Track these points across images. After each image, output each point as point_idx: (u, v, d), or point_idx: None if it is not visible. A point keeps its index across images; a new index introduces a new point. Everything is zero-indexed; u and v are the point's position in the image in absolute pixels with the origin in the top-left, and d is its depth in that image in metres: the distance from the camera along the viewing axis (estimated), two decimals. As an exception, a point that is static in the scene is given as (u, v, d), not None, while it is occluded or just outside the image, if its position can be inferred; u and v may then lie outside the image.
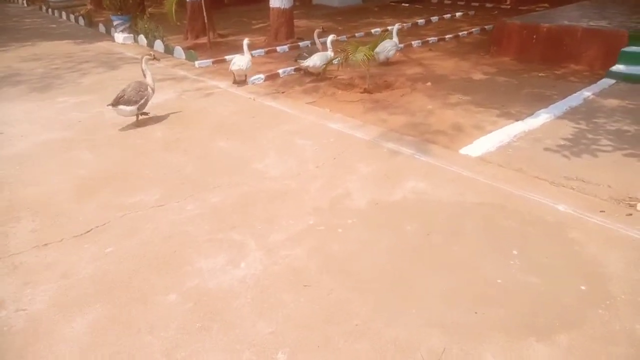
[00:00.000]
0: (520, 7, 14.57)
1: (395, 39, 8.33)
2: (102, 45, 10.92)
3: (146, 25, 10.57)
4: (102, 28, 12.70)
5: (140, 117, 5.72)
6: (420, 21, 12.73)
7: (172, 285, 2.83)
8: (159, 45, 10.02)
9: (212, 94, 6.93)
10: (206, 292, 2.76)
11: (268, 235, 3.33)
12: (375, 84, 7.36)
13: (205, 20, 9.88)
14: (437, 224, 3.48)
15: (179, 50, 9.36)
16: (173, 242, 3.26)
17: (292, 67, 8.04)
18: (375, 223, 3.50)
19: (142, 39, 10.69)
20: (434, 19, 13.11)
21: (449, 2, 16.43)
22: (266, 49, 9.55)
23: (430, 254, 3.15)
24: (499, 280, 2.86)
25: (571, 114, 5.68)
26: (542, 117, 5.54)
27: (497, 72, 7.83)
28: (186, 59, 9.12)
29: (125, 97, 5.34)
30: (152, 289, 2.80)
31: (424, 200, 3.82)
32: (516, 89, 6.84)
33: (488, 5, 15.39)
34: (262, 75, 7.57)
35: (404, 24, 8.75)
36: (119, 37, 11.04)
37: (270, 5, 10.04)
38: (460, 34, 10.99)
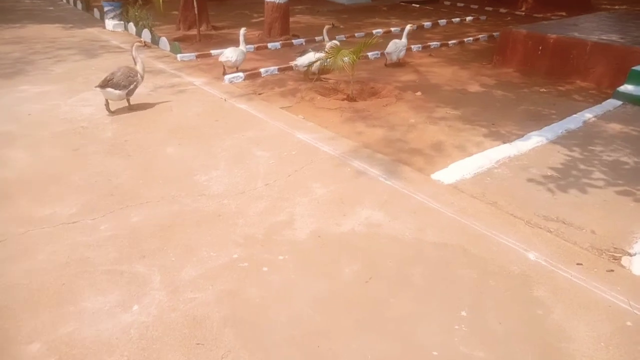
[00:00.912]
0: (535, 14, 13.89)
1: (404, 39, 7.97)
2: (91, 31, 10.52)
3: (136, 13, 10.14)
4: (96, 13, 12.30)
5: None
6: (427, 24, 12.13)
7: (41, 330, 2.37)
8: (146, 34, 9.59)
9: (183, 91, 6.47)
10: (78, 344, 2.30)
11: (179, 270, 2.85)
12: (361, 90, 6.84)
13: (196, 11, 9.40)
14: (382, 268, 2.97)
15: (164, 42, 8.91)
16: (67, 272, 2.80)
17: (276, 67, 7.54)
18: (310, 261, 3.01)
19: (131, 27, 10.27)
20: (442, 22, 12.50)
21: (462, 4, 15.77)
22: (256, 45, 9.06)
23: (365, 307, 2.65)
24: (435, 353, 2.35)
25: (566, 139, 5.11)
26: (533, 140, 4.98)
27: (496, 85, 7.25)
28: (170, 51, 8.67)
29: (114, 80, 5.28)
30: (15, 334, 2.35)
31: (375, 235, 3.31)
32: (512, 105, 6.27)
33: (502, 10, 14.72)
34: (241, 74, 7.08)
35: (411, 26, 8.29)
36: (109, 24, 10.63)
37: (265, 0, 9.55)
38: (465, 40, 10.39)
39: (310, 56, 7.40)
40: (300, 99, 6.26)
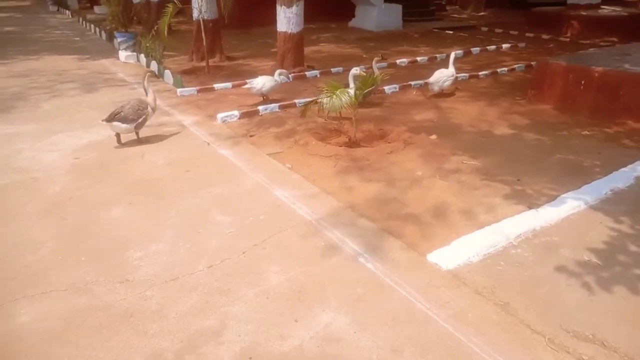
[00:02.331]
0: (581, 41, 12.64)
1: (452, 68, 7.26)
2: (104, 62, 10.26)
3: (147, 45, 9.78)
4: (117, 44, 12.15)
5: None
6: (458, 52, 11.12)
7: None
8: (154, 66, 9.17)
9: (167, 133, 5.83)
10: None
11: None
12: (367, 132, 5.98)
13: (204, 42, 8.90)
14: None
15: (167, 74, 8.43)
16: None
17: (277, 104, 6.82)
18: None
19: (143, 58, 9.92)
20: (475, 50, 11.49)
21: (501, 30, 14.68)
22: (264, 78, 8.40)
23: None
24: None
25: (612, 203, 4.04)
26: (567, 205, 3.94)
27: (528, 125, 6.20)
28: (173, 84, 8.15)
29: (123, 114, 5.14)
30: None
31: (329, 358, 2.41)
32: (546, 153, 5.22)
33: (544, 36, 13.51)
34: (236, 112, 6.40)
35: (456, 53, 7.64)
36: (122, 55, 10.36)
37: (277, 29, 8.93)
38: (499, 70, 9.35)
39: (261, 80, 6.80)
40: (294, 143, 5.47)
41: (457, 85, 8.36)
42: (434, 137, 5.74)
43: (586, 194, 4.14)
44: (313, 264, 3.17)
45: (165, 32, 8.41)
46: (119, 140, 5.39)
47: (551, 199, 4.10)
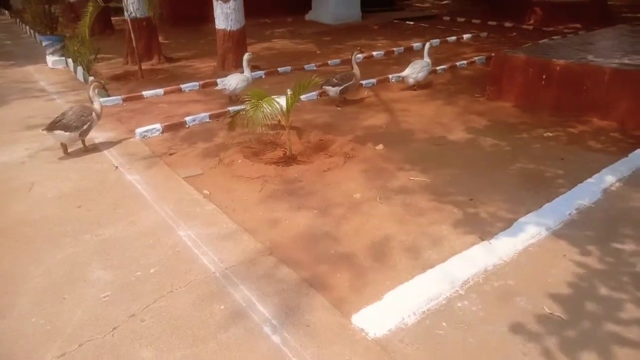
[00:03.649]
0: (545, 28, 12.17)
1: (427, 58, 7.04)
2: (28, 69, 9.23)
3: (75, 48, 8.80)
4: (47, 47, 11.08)
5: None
6: (417, 45, 10.53)
7: None
8: (80, 72, 8.23)
9: (71, 155, 4.99)
10: None
11: None
12: (307, 143, 5.28)
13: (134, 43, 8.02)
14: None
15: (92, 80, 7.50)
16: None
17: (208, 113, 6.03)
18: None
19: (71, 63, 8.95)
20: (435, 42, 10.79)
21: (463, 19, 14.11)
22: (202, 82, 7.59)
23: None
24: None
25: (578, 227, 3.43)
26: (525, 234, 3.31)
27: (486, 128, 5.60)
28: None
29: (64, 121, 4.76)
30: None
31: None
32: (504, 162, 4.61)
33: (507, 24, 13.00)
34: (158, 126, 5.59)
35: (432, 42, 7.42)
36: (50, 60, 9.33)
37: (216, 27, 8.10)
38: (458, 64, 8.75)
39: (233, 80, 6.41)
40: (219, 162, 4.72)
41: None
42: (380, 147, 5.07)
43: (547, 215, 3.53)
44: (201, 342, 2.44)
45: (87, 34, 7.49)
46: (65, 151, 4.97)
47: (507, 224, 3.47)
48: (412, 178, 4.31)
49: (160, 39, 12.36)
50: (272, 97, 4.78)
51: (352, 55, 6.64)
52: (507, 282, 2.84)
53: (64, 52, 9.32)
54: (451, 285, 2.78)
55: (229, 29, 7.91)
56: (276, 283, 2.90)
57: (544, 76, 6.10)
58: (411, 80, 7.07)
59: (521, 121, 5.80)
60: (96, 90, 5.22)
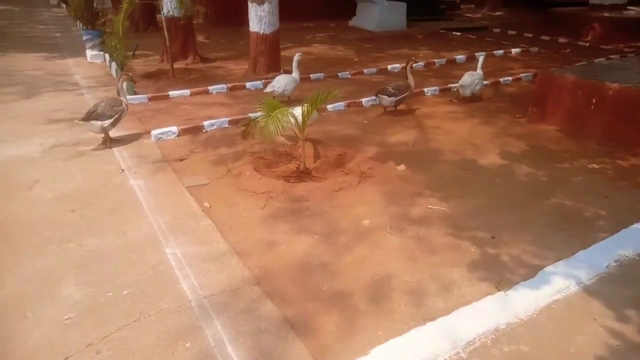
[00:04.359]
0: (603, 46, 11.32)
1: (479, 70, 6.88)
2: (67, 62, 9.41)
3: (113, 43, 8.86)
4: (91, 41, 11.31)
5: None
6: (460, 57, 10.00)
7: None
8: (114, 68, 8.27)
9: (82, 154, 4.90)
10: None
11: None
12: (325, 157, 4.96)
13: (167, 43, 7.96)
14: None
15: (123, 78, 7.50)
16: None
17: (228, 119, 5.82)
18: None
19: (108, 58, 9.03)
20: (480, 55, 10.24)
21: (514, 33, 13.38)
22: (230, 85, 7.42)
23: None
24: None
25: (616, 283, 2.94)
26: (551, 287, 2.85)
27: (523, 153, 5.10)
28: (125, 90, 7.21)
29: (98, 111, 4.94)
30: None
31: None
32: (538, 195, 4.12)
33: (561, 40, 12.18)
34: (174, 129, 5.42)
35: (484, 55, 7.34)
36: (89, 54, 9.48)
37: (250, 29, 7.92)
38: (502, 79, 8.19)
39: (281, 81, 6.29)
40: (226, 172, 4.48)
41: (452, 97, 7.27)
42: (401, 167, 4.68)
43: (580, 266, 3.05)
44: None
45: (120, 30, 7.48)
46: (107, 142, 5.12)
47: (531, 271, 3.02)
48: (430, 207, 3.90)
49: (201, 38, 12.50)
50: (290, 108, 4.52)
51: (406, 64, 6.43)
52: (520, 348, 2.41)
53: (103, 47, 9.44)
54: (452, 345, 2.39)
55: (262, 32, 7.71)
56: (255, 320, 2.59)
57: (594, 100, 5.51)
58: (468, 92, 6.80)
59: (564, 148, 5.25)
60: (124, 84, 5.32)
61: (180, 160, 4.80)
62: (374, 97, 6.78)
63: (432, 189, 4.22)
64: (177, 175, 4.43)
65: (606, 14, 12.49)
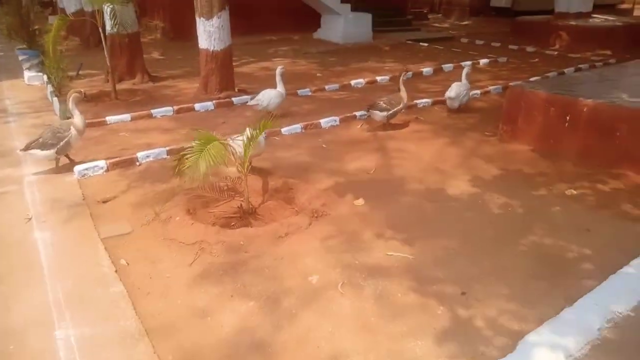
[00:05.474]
0: (570, 54, 11.11)
1: (465, 81, 6.63)
2: (1, 85, 8.56)
3: (49, 64, 8.07)
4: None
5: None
6: (427, 70, 9.57)
7: None
8: (49, 90, 7.50)
9: (-14, 198, 4.17)
10: None
11: None
12: (274, 190, 4.35)
13: (108, 62, 7.25)
14: None
15: (56, 102, 6.77)
16: None
17: (166, 148, 5.16)
18: None
19: (46, 79, 8.25)
20: (448, 67, 9.89)
21: (481, 42, 13.10)
22: (176, 107, 6.75)
23: None
24: None
25: (611, 352, 2.40)
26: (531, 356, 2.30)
27: (496, 179, 4.60)
28: (59, 115, 6.49)
29: (41, 140, 4.56)
30: None
31: None
32: (514, 233, 3.60)
33: (529, 49, 11.93)
34: (102, 163, 4.73)
35: (469, 67, 7.01)
36: (27, 75, 8.66)
37: (199, 46, 7.29)
38: (471, 93, 7.74)
39: (266, 96, 6.05)
40: (154, 217, 3.81)
41: (417, 114, 6.77)
42: (360, 202, 4.10)
43: (568, 331, 2.51)
44: None
45: (50, 50, 6.76)
46: (57, 165, 4.78)
47: (510, 340, 2.47)
48: (390, 253, 3.33)
49: (156, 54, 11.80)
50: (235, 136, 3.91)
51: (400, 76, 6.12)
52: None
53: (41, 67, 8.65)
54: None
55: (212, 48, 7.09)
56: None
57: (567, 117, 5.07)
58: (456, 104, 6.58)
59: (539, 171, 4.78)
60: (72, 103, 4.75)
61: (104, 202, 4.12)
62: (333, 118, 6.26)
63: (394, 228, 3.66)
64: (96, 222, 3.74)
65: (572, 22, 12.34)
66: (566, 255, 3.31)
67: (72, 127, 4.68)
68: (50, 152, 4.56)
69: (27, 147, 4.54)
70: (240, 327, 2.63)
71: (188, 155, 3.50)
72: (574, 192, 4.32)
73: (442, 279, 3.04)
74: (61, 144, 4.59)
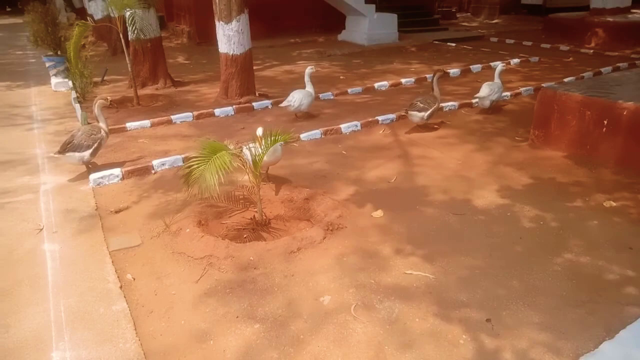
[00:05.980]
0: (607, 53, 10.53)
1: (498, 80, 6.40)
2: (30, 91, 8.71)
3: (75, 70, 8.16)
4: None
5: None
6: (454, 71, 9.22)
7: None
8: (73, 96, 7.56)
9: (1, 206, 4.14)
10: None
11: None
12: (290, 200, 4.17)
13: (129, 67, 7.25)
14: None
15: (78, 109, 6.80)
16: None
17: (182, 156, 5.05)
18: None
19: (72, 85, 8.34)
20: (476, 67, 9.52)
21: (512, 42, 12.61)
22: (196, 113, 6.67)
23: None
24: None
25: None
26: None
27: (527, 189, 4.29)
28: (80, 122, 6.50)
29: (75, 142, 4.58)
30: None
31: None
32: (547, 251, 3.30)
33: (563, 47, 11.39)
34: (117, 171, 4.66)
35: (503, 65, 6.91)
36: (53, 82, 8.79)
37: (219, 50, 7.21)
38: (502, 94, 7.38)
39: (297, 96, 6.10)
40: (164, 229, 3.69)
41: (443, 118, 6.48)
42: (378, 214, 3.88)
43: (609, 368, 2.22)
44: None
45: (72, 57, 6.79)
46: (88, 168, 4.77)
47: (542, 379, 2.20)
48: (409, 272, 3.09)
49: (181, 59, 11.87)
50: (252, 144, 3.75)
51: (433, 76, 5.95)
52: None
53: (67, 73, 8.75)
54: None
55: (231, 52, 6.99)
56: None
57: (605, 121, 4.71)
58: (487, 103, 6.40)
59: (574, 180, 4.44)
60: (101, 109, 4.87)
61: (117, 212, 4.03)
62: (355, 123, 6.04)
63: (414, 243, 3.42)
64: (106, 234, 3.65)
65: (609, 19, 11.71)
66: (606, 277, 3.00)
67: (102, 130, 4.77)
68: (87, 153, 4.59)
69: (63, 150, 4.56)
70: (243, 353, 2.45)
71: (194, 166, 3.35)
72: (614, 203, 3.97)
73: (466, 302, 2.79)
74: (95, 145, 4.66)
